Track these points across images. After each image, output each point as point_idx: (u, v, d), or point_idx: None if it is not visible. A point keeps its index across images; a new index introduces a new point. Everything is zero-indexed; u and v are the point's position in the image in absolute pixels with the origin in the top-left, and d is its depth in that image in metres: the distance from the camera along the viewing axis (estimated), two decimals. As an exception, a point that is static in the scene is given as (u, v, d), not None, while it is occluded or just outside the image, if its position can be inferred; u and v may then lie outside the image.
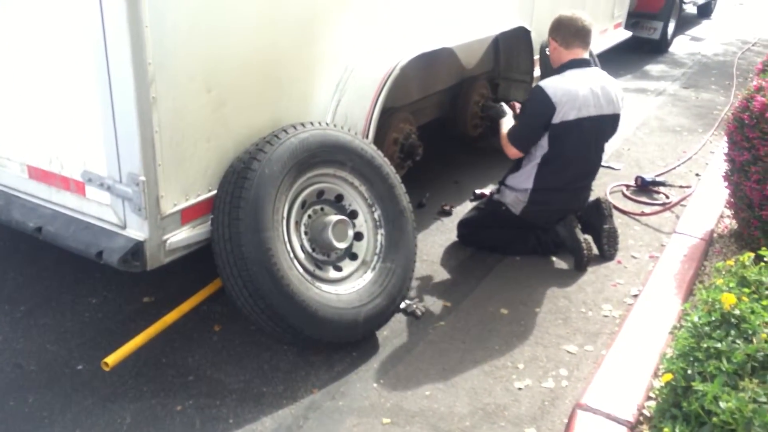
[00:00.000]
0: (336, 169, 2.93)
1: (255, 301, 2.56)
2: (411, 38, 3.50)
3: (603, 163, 3.90)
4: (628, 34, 7.03)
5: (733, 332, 1.90)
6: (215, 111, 2.57)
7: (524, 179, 3.57)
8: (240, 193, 2.56)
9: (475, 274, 3.54)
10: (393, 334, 3.01)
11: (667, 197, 4.50)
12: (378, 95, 3.20)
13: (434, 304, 3.25)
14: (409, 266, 3.02)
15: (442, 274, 3.54)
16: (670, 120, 6.26)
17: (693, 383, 1.79)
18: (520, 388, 2.70)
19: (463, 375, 2.77)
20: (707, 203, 4.26)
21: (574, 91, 3.39)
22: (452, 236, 3.88)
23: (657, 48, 8.88)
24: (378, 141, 3.40)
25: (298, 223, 2.85)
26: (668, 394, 1.94)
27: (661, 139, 5.72)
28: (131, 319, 3.03)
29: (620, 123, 3.67)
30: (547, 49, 3.75)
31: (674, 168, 5.02)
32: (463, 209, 4.13)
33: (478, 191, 4.35)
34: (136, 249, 2.44)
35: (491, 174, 4.61)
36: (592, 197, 3.80)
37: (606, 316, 3.21)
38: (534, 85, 3.87)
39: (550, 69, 3.71)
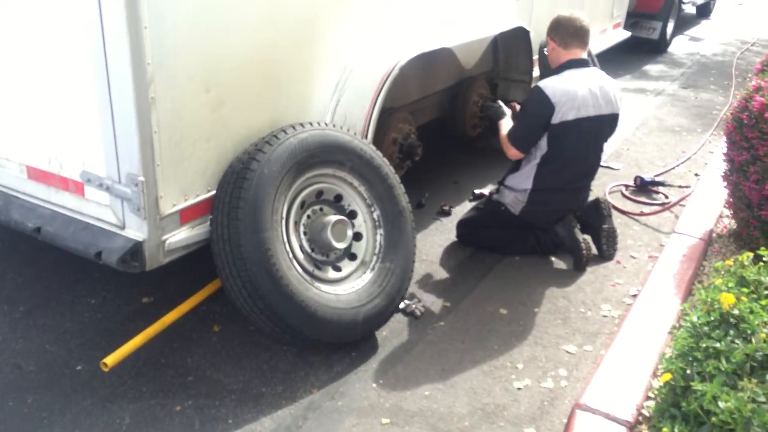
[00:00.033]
0: (335, 170, 2.93)
1: (254, 302, 2.56)
2: (410, 38, 3.50)
3: (602, 163, 3.90)
4: (627, 34, 7.03)
5: (732, 332, 1.90)
6: (214, 111, 2.57)
7: (523, 179, 3.57)
8: (239, 193, 2.56)
9: (474, 274, 3.54)
10: (392, 334, 3.01)
11: (666, 197, 4.50)
12: (377, 95, 3.20)
13: (433, 304, 3.25)
14: (408, 266, 3.02)
15: (441, 274, 3.54)
16: (669, 120, 6.26)
17: (692, 383, 1.79)
18: (519, 388, 2.70)
19: (462, 375, 2.77)
20: (706, 203, 4.26)
21: (573, 91, 3.39)
22: (451, 236, 3.88)
23: (656, 48, 8.89)
24: (377, 141, 3.40)
25: (297, 224, 2.85)
26: (667, 393, 1.94)
27: (660, 139, 5.72)
28: (130, 319, 3.03)
29: (619, 123, 3.67)
30: (545, 49, 3.75)
31: (673, 168, 5.02)
32: (463, 209, 4.13)
33: (477, 191, 4.35)
34: (135, 249, 2.43)
35: (490, 174, 4.61)
36: (591, 197, 3.80)
37: (605, 316, 3.21)
38: (533, 85, 3.87)
39: (549, 69, 3.71)
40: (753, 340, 1.85)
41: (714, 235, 3.91)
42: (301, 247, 2.83)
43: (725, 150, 3.54)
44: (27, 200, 2.75)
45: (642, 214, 4.27)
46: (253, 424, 2.48)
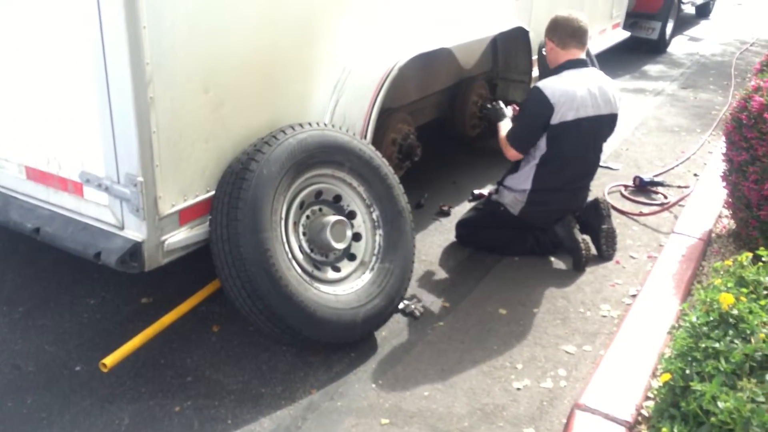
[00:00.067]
0: (334, 170, 2.92)
1: (253, 302, 2.56)
2: (409, 38, 3.50)
3: (601, 164, 3.90)
4: (627, 34, 7.04)
5: (731, 332, 1.90)
6: (213, 111, 2.57)
7: (522, 180, 3.57)
8: (238, 193, 2.56)
9: (473, 274, 3.54)
10: (391, 334, 3.01)
11: (666, 197, 4.50)
12: (376, 96, 3.20)
13: (433, 304, 3.25)
14: (407, 267, 3.02)
15: (440, 275, 3.54)
16: (669, 120, 6.26)
17: (691, 383, 1.78)
18: (518, 389, 2.70)
19: (461, 375, 2.77)
20: (705, 203, 4.26)
21: (572, 91, 3.39)
22: (451, 236, 3.88)
23: (655, 48, 8.89)
24: (376, 141, 3.40)
25: (296, 224, 2.84)
26: (666, 394, 1.94)
27: (659, 139, 5.72)
28: (129, 319, 3.03)
29: (618, 123, 3.67)
30: (544, 49, 3.75)
31: (672, 168, 5.02)
32: (462, 209, 4.13)
33: (476, 191, 4.34)
34: (135, 250, 2.43)
35: (490, 174, 4.61)
36: (591, 197, 3.80)
37: (604, 316, 3.21)
38: (532, 85, 3.87)
39: (548, 69, 3.71)
40: (752, 340, 1.85)
41: (713, 235, 3.91)
42: (301, 247, 2.83)
43: (724, 150, 3.54)
44: (26, 201, 2.75)
45: (641, 214, 4.27)
46: (252, 424, 2.48)
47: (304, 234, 2.86)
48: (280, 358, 2.82)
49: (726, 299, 1.95)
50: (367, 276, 2.92)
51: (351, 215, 3.00)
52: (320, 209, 2.94)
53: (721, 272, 2.32)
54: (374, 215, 3.02)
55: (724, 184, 3.62)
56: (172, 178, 2.47)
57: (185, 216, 2.58)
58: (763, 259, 2.27)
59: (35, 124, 2.61)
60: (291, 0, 2.81)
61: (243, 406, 2.56)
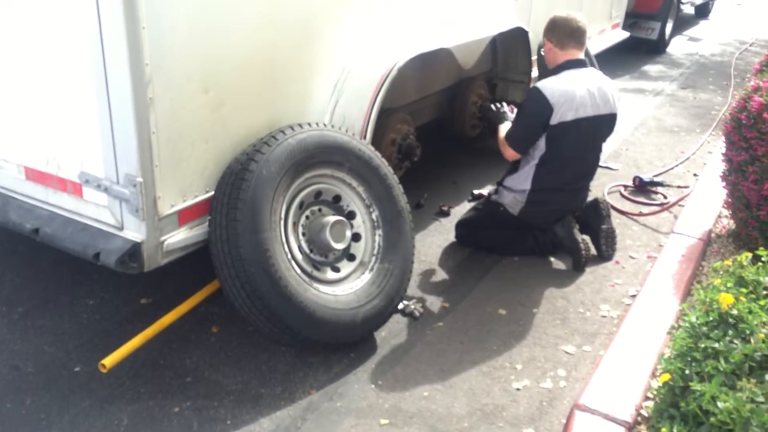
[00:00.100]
0: (334, 170, 2.92)
1: (253, 302, 2.55)
2: (409, 39, 3.50)
3: (601, 164, 3.90)
4: (626, 34, 7.04)
5: (730, 332, 1.90)
6: (213, 112, 2.57)
7: (522, 180, 3.57)
8: (237, 194, 2.55)
9: (473, 274, 3.54)
10: (391, 334, 3.00)
11: (665, 197, 4.50)
12: (376, 96, 3.20)
13: (432, 304, 3.25)
14: (407, 267, 3.02)
15: (440, 275, 3.54)
16: (668, 120, 6.26)
17: (691, 383, 1.78)
18: (518, 389, 2.70)
19: (461, 376, 2.76)
20: (705, 203, 4.26)
21: (571, 91, 3.39)
22: (450, 237, 3.88)
23: (655, 48, 8.89)
24: (376, 142, 3.40)
25: (295, 224, 2.84)
26: (666, 394, 1.94)
27: (659, 139, 5.72)
28: (129, 320, 3.03)
29: (617, 123, 3.67)
30: (542, 49, 3.75)
31: (672, 168, 5.02)
32: (461, 210, 4.12)
33: (476, 192, 4.34)
34: (134, 250, 2.43)
35: (489, 174, 4.61)
36: (590, 197, 3.80)
37: (604, 317, 3.21)
38: (532, 85, 3.87)
39: (547, 70, 3.71)
40: (752, 340, 1.85)
41: (713, 235, 3.91)
42: (300, 247, 2.82)
43: (724, 150, 3.54)
44: (25, 201, 2.75)
45: (641, 214, 4.27)
46: (252, 425, 2.48)
47: (303, 234, 2.86)
48: (279, 359, 2.82)
49: (725, 299, 1.95)
50: (367, 276, 2.92)
51: (350, 215, 3.00)
52: (320, 209, 2.94)
53: (721, 272, 2.32)
54: (374, 215, 3.02)
55: (724, 184, 3.62)
56: (171, 179, 2.46)
57: (184, 216, 2.57)
58: (763, 259, 2.26)
59: (34, 125, 2.61)
60: (291, 0, 2.81)
61: (242, 407, 2.56)
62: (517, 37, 4.46)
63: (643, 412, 2.43)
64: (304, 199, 2.88)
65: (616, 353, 2.76)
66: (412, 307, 3.15)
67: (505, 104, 3.96)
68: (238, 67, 2.62)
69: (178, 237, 2.56)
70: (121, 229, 2.49)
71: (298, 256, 2.79)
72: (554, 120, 3.39)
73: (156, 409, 2.53)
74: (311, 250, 2.86)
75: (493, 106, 3.96)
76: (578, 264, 3.58)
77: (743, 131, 3.25)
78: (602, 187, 4.55)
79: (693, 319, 2.01)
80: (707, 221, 4.01)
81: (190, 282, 3.06)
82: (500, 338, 3.01)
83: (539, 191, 3.54)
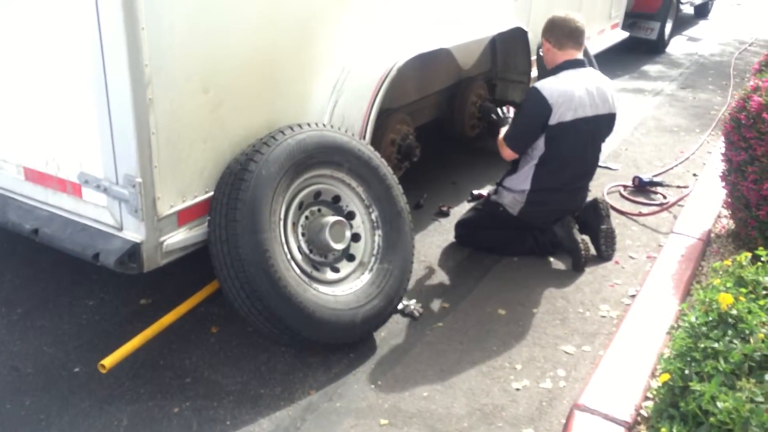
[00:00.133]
0: (333, 171, 2.92)
1: (252, 303, 2.55)
2: (408, 39, 3.50)
3: (600, 164, 3.90)
4: (626, 34, 7.04)
5: (730, 332, 1.90)
6: (212, 112, 2.57)
7: (521, 180, 3.57)
8: (237, 194, 2.55)
9: (472, 274, 3.54)
10: (390, 335, 3.00)
11: (665, 197, 4.50)
12: (375, 96, 3.20)
13: (432, 305, 3.25)
14: (406, 267, 3.02)
15: (439, 275, 3.54)
16: (668, 120, 6.26)
17: (690, 383, 1.78)
18: (517, 389, 2.70)
19: (460, 376, 2.76)
20: (704, 203, 4.26)
21: (570, 92, 3.39)
22: (450, 237, 3.88)
23: (654, 48, 8.89)
24: (375, 142, 3.40)
25: (295, 225, 2.84)
26: (666, 394, 1.94)
27: (658, 139, 5.72)
28: (128, 321, 3.03)
29: (616, 123, 3.67)
30: (541, 50, 3.75)
31: (672, 168, 5.02)
32: (461, 210, 4.13)
33: (475, 192, 4.34)
34: (133, 251, 2.43)
35: (489, 174, 4.61)
36: (590, 198, 3.80)
37: (603, 317, 3.21)
38: (531, 86, 3.87)
39: (546, 70, 3.71)
40: (751, 340, 1.85)
41: (712, 235, 3.91)
42: (299, 248, 2.82)
43: (723, 150, 3.54)
44: (24, 202, 2.75)
45: (640, 214, 4.27)
46: (251, 425, 2.48)
47: (303, 235, 2.86)
48: (279, 359, 2.82)
49: (725, 299, 1.95)
50: (366, 277, 2.92)
51: (350, 216, 3.00)
52: (319, 210, 2.94)
53: (720, 272, 2.32)
54: (373, 216, 3.02)
55: (723, 184, 3.62)
56: (170, 179, 2.46)
57: (184, 217, 2.57)
58: (762, 259, 2.26)
59: (34, 125, 2.61)
60: (291, 0, 2.81)
61: (242, 407, 2.56)
62: (517, 37, 4.46)
63: (643, 412, 2.43)
64: (303, 199, 2.88)
65: (615, 353, 2.77)
66: (412, 307, 3.15)
67: (511, 109, 3.95)
68: (237, 67, 2.62)
69: (178, 237, 2.56)
70: (120, 229, 2.49)
71: (298, 256, 2.79)
72: (553, 120, 3.39)
73: (156, 409, 2.53)
74: (311, 251, 2.86)
75: (498, 110, 3.95)
76: (578, 264, 3.58)
77: (742, 131, 3.25)
78: (602, 187, 4.55)
79: (692, 319, 2.01)
80: (707, 221, 4.01)
81: (189, 282, 3.06)
82: (500, 338, 3.01)
83: (539, 191, 3.54)
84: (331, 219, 2.86)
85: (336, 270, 2.92)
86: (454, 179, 4.66)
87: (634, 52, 8.54)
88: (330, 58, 3.11)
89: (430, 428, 2.49)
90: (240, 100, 2.67)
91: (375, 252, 2.98)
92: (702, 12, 11.82)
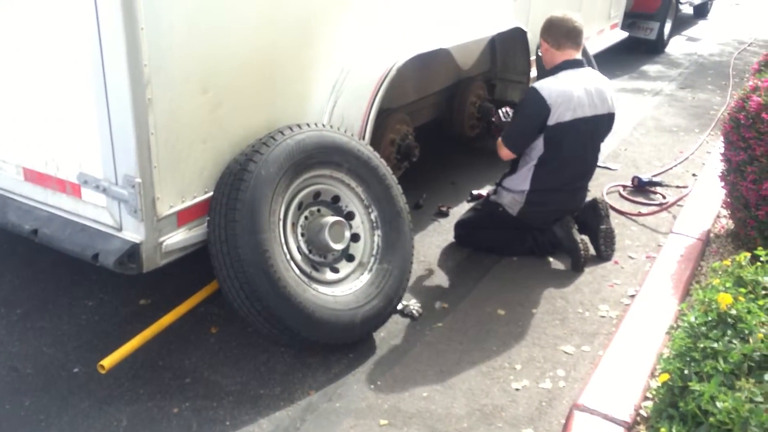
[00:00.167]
0: (333, 171, 2.92)
1: (252, 303, 2.55)
2: (407, 39, 3.50)
3: (600, 164, 3.90)
4: (625, 34, 7.04)
5: (729, 332, 1.90)
6: (212, 112, 2.57)
7: (521, 181, 3.57)
8: (236, 194, 2.55)
9: (472, 275, 3.54)
10: (390, 335, 3.00)
11: (664, 197, 4.50)
12: (374, 96, 3.20)
13: (431, 305, 3.25)
14: (406, 267, 3.02)
15: (439, 275, 3.54)
16: (667, 120, 6.27)
17: (690, 383, 1.78)
18: (517, 389, 2.70)
19: (460, 376, 2.76)
20: (704, 203, 4.27)
21: (568, 92, 3.39)
22: (449, 237, 3.88)
23: (653, 48, 8.90)
24: (375, 142, 3.39)
25: (294, 225, 2.84)
26: (665, 394, 1.94)
27: (657, 139, 5.73)
28: (128, 321, 3.03)
29: (615, 122, 3.67)
30: (539, 50, 3.75)
31: (671, 168, 5.02)
32: (460, 210, 4.13)
33: (475, 192, 4.35)
34: (133, 251, 2.43)
35: (488, 175, 4.61)
36: (589, 198, 3.80)
37: (603, 317, 3.21)
38: (529, 86, 3.87)
39: (545, 70, 3.71)
40: (750, 340, 1.85)
41: (711, 235, 3.91)
42: (299, 248, 2.82)
43: (722, 150, 3.54)
44: (24, 202, 2.75)
45: (640, 214, 4.28)
46: (251, 425, 2.47)
47: (302, 235, 2.86)
48: (278, 359, 2.82)
49: (724, 299, 1.96)
50: (366, 277, 2.92)
51: (349, 216, 3.00)
52: (318, 210, 2.94)
53: (720, 272, 2.32)
54: (373, 216, 3.02)
55: (723, 184, 3.62)
56: (170, 180, 2.46)
57: (183, 217, 2.57)
58: (762, 259, 2.27)
59: (33, 126, 2.61)
60: (290, 0, 2.81)
61: (241, 408, 2.56)
62: (516, 37, 4.46)
63: (642, 412, 2.43)
64: (303, 199, 2.88)
65: (615, 353, 2.77)
66: (411, 307, 3.15)
67: (511, 111, 3.95)
68: (237, 67, 2.62)
69: (177, 238, 2.56)
70: (119, 230, 2.49)
71: (297, 256, 2.79)
72: (552, 120, 3.39)
73: (155, 409, 2.53)
74: (310, 251, 2.86)
75: (501, 113, 3.95)
76: (577, 264, 3.58)
77: (742, 131, 3.26)
78: (601, 187, 4.55)
79: (692, 319, 2.02)
80: (706, 221, 4.01)
81: (189, 283, 3.06)
82: (499, 338, 3.01)
83: (538, 191, 3.54)
84: (331, 219, 2.86)
85: (335, 270, 2.91)
86: (453, 179, 4.66)
87: (633, 52, 8.55)
88: (329, 58, 3.11)
89: (429, 428, 2.49)
90: (239, 101, 2.67)
91: (374, 252, 2.98)
92: (701, 12, 11.83)
